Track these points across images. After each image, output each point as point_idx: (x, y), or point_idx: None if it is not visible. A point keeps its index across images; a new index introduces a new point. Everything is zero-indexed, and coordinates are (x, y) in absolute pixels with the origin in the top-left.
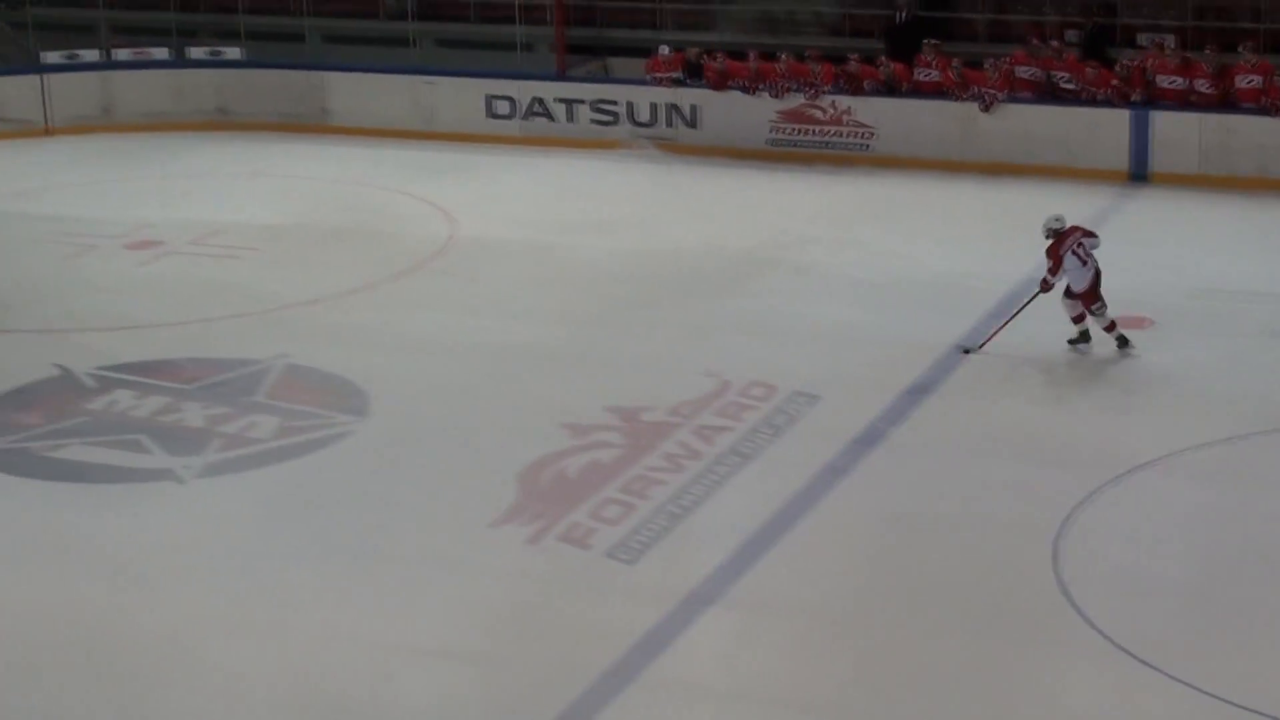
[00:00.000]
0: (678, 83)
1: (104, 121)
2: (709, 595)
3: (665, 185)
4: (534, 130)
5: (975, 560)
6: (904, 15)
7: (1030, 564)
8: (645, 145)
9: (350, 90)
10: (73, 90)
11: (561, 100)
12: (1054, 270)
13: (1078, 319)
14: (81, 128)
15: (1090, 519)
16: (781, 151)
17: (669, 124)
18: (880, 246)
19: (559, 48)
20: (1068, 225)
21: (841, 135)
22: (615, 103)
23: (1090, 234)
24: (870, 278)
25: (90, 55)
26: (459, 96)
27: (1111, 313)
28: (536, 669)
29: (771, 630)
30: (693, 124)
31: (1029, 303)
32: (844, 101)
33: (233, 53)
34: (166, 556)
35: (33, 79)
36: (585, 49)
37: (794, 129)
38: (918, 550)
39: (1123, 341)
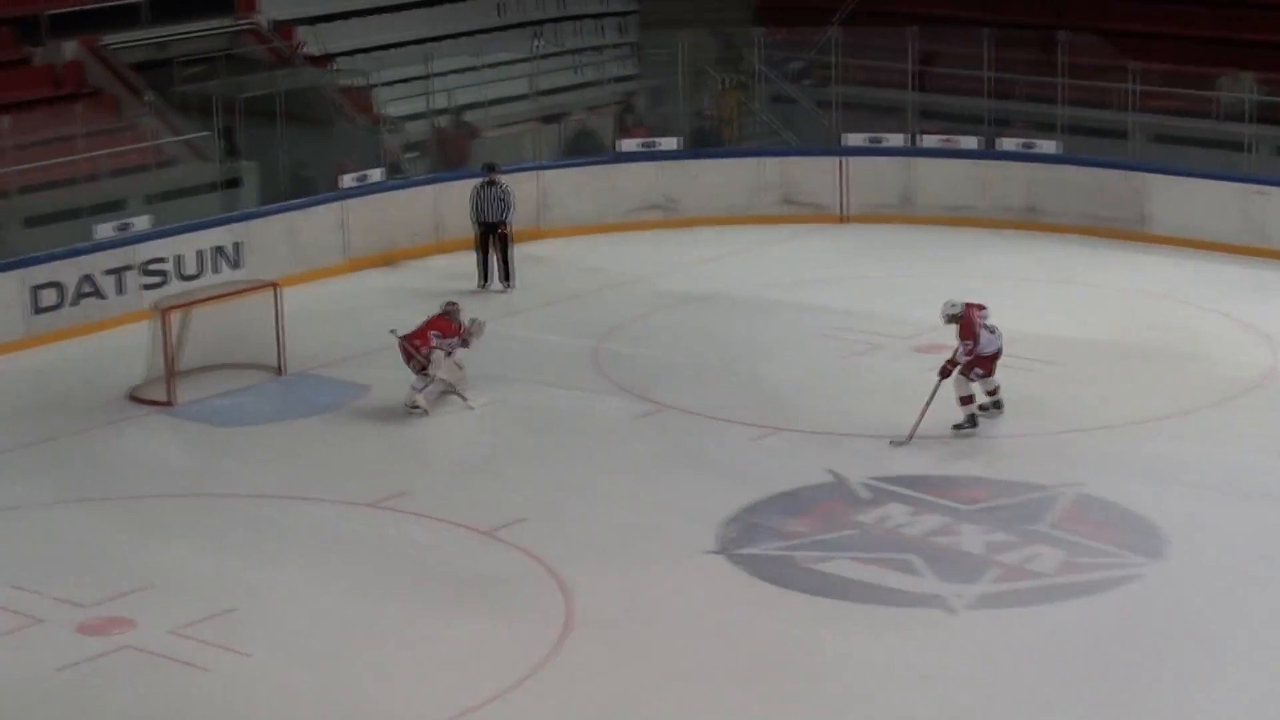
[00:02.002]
0: None
1: (902, 211)
2: None
3: None
4: None
5: None
6: None
7: None
8: None
9: (1173, 195)
10: (872, 176)
11: None
12: (972, 348)
13: (966, 400)
14: (878, 216)
15: None
16: None
17: None
18: None
19: None
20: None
21: None
22: None
23: (981, 306)
24: None
25: (894, 140)
26: None
27: None
28: None
29: None
30: None
31: (937, 389)
32: None
33: (1047, 146)
34: (925, 690)
35: (832, 161)
36: None
37: None
38: None
39: (998, 406)
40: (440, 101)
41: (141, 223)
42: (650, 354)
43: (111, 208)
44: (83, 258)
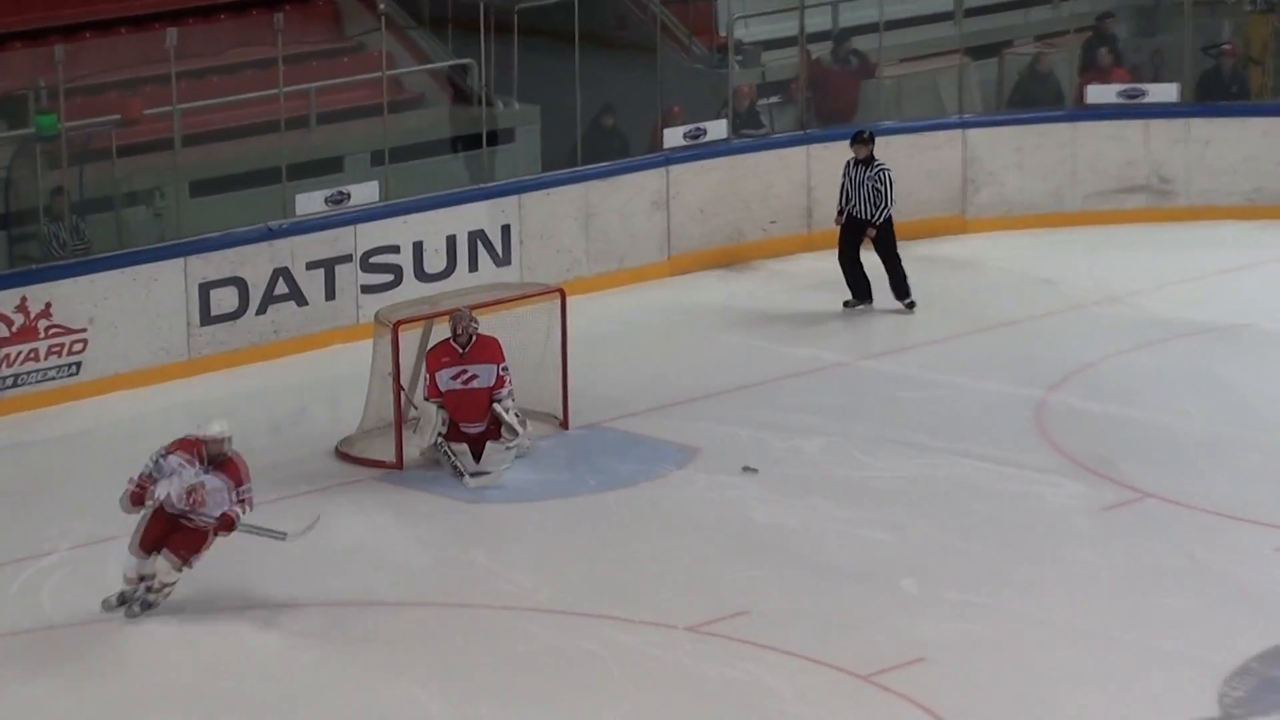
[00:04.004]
0: None
1: None
2: None
3: None
4: None
5: None
6: None
7: None
8: None
9: None
10: None
11: None
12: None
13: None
14: None
15: None
16: None
17: None
18: None
19: None
20: None
21: None
22: None
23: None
24: None
25: None
26: None
27: None
28: None
29: None
30: None
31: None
32: None
33: None
34: None
35: None
36: None
37: None
38: None
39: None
40: (817, 22)
41: (364, 192)
42: (1127, 414)
43: (321, 169)
44: (276, 243)
